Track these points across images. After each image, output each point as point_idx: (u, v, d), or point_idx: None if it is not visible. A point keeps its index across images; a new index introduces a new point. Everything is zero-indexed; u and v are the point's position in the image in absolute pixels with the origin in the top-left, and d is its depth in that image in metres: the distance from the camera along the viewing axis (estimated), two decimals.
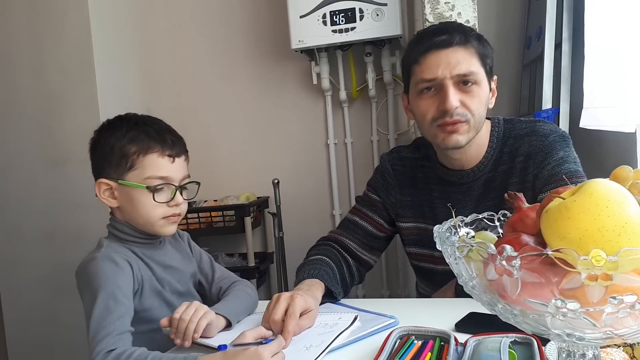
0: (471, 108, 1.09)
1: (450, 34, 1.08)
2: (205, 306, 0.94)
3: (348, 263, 1.25)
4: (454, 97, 1.07)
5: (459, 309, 0.95)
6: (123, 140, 1.03)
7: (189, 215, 2.25)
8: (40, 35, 2.05)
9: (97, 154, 1.06)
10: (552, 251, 0.44)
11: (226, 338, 0.89)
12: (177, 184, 1.05)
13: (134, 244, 1.06)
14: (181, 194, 1.07)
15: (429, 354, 0.78)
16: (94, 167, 1.07)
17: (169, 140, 1.06)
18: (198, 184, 1.12)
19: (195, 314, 0.90)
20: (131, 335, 0.92)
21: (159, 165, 1.03)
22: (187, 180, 1.09)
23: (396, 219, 1.29)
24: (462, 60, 1.07)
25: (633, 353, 0.68)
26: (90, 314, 0.92)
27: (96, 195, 1.05)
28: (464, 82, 1.08)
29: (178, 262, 1.13)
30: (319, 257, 1.21)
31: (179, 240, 1.19)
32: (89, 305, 0.94)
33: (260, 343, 0.81)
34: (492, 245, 0.47)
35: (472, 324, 0.90)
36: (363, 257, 1.27)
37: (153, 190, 1.02)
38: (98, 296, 0.93)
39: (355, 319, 0.95)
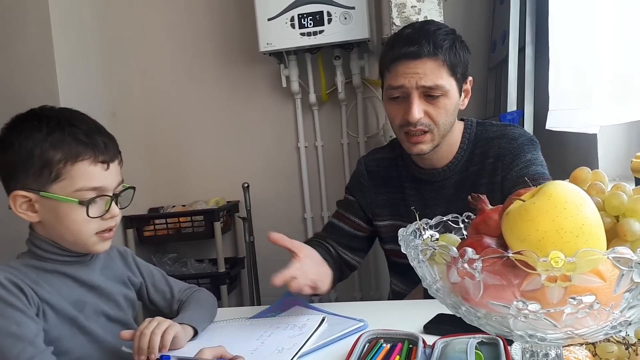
0: (435, 119, 1.11)
1: (420, 45, 1.08)
2: (168, 320, 0.89)
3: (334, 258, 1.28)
4: (417, 109, 1.09)
5: (427, 310, 0.96)
6: (44, 145, 0.85)
7: (157, 221, 2.21)
8: None
9: (9, 159, 0.87)
10: (512, 253, 0.44)
11: (188, 351, 0.87)
12: (112, 194, 0.91)
13: (56, 263, 0.91)
14: (116, 203, 0.92)
15: (398, 357, 0.78)
16: (3, 173, 0.89)
17: (101, 143, 0.89)
18: (133, 189, 0.96)
19: (158, 327, 0.85)
20: (54, 357, 0.83)
21: (92, 175, 0.87)
22: (121, 187, 0.93)
23: (373, 218, 1.31)
24: (430, 72, 1.08)
25: (595, 351, 0.69)
26: None
27: (9, 208, 0.88)
28: (430, 94, 1.10)
29: (107, 284, 0.97)
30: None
31: (114, 258, 1.03)
32: None
33: None
34: (454, 248, 0.47)
35: (440, 325, 0.90)
36: (345, 257, 1.30)
37: (87, 204, 0.87)
38: None
39: (323, 320, 0.95)
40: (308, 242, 1.30)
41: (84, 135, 0.88)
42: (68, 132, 0.87)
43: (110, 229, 0.92)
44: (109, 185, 0.90)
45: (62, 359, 0.87)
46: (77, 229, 0.88)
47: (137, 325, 0.91)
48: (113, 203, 0.90)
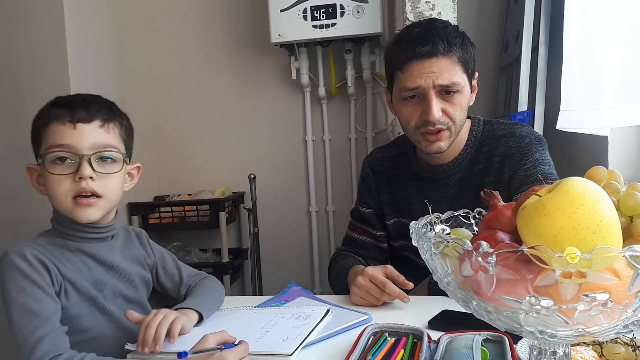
0: (452, 116, 1.11)
1: (434, 43, 1.07)
2: (175, 312, 0.88)
3: None
4: (436, 108, 1.09)
5: (433, 306, 0.96)
6: (36, 116, 0.93)
7: (162, 209, 2.21)
8: (10, 20, 1.97)
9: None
10: (527, 248, 0.44)
11: (192, 337, 0.87)
12: (84, 153, 0.88)
13: (78, 240, 0.93)
14: (91, 166, 0.88)
15: (402, 350, 0.78)
16: None
17: (76, 105, 0.90)
18: (124, 154, 0.94)
19: (164, 320, 0.84)
20: (67, 337, 0.84)
21: (59, 133, 0.88)
22: (104, 150, 0.90)
23: (385, 218, 1.31)
24: (445, 70, 1.08)
25: (602, 351, 0.69)
26: (11, 320, 0.82)
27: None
28: (446, 91, 1.09)
29: (125, 264, 1.00)
30: (347, 259, 1.26)
31: (132, 239, 1.06)
32: (7, 309, 0.84)
33: (221, 348, 0.79)
34: (468, 242, 0.47)
35: (445, 321, 0.90)
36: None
37: (50, 161, 0.88)
38: (16, 298, 0.83)
39: (327, 311, 0.96)
40: (339, 255, 1.31)
41: (63, 99, 0.93)
42: (54, 102, 0.93)
43: (86, 195, 0.89)
44: (78, 144, 0.88)
45: (80, 336, 0.90)
46: (52, 189, 0.90)
47: (151, 306, 0.95)
48: (86, 163, 0.88)
